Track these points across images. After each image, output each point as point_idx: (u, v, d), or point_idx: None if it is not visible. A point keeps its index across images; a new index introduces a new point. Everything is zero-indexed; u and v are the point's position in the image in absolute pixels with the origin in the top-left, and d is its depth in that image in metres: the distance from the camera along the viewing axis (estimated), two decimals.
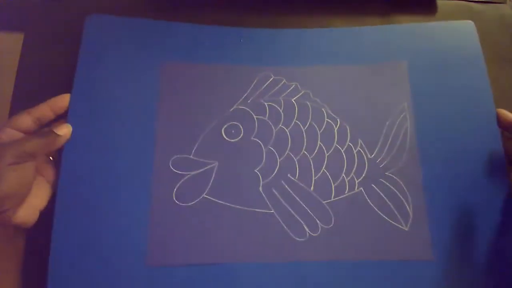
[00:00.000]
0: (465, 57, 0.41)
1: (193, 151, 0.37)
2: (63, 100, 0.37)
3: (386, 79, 0.40)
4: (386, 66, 0.41)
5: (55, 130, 0.34)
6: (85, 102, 0.38)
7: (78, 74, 0.38)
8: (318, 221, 0.36)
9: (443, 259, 0.35)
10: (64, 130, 0.35)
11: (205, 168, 0.37)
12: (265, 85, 0.40)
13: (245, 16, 0.44)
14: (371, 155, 0.38)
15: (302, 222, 0.36)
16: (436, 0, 0.45)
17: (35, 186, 0.33)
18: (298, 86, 0.40)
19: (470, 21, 0.42)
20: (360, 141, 0.38)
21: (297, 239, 0.35)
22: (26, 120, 0.34)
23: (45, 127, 0.35)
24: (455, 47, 0.41)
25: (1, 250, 0.31)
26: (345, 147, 0.38)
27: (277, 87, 0.40)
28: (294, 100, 0.40)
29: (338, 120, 0.39)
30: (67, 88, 0.40)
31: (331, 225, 0.36)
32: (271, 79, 0.40)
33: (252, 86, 0.40)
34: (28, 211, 0.33)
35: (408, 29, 0.42)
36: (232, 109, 0.39)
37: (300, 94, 0.40)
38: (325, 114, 0.39)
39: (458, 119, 0.39)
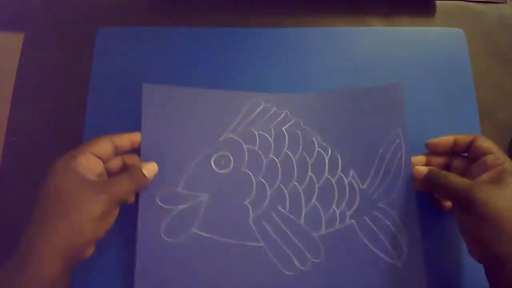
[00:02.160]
0: (454, 63, 0.42)
1: (181, 184, 0.37)
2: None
3: (380, 104, 0.39)
4: (379, 91, 0.39)
5: (143, 170, 0.33)
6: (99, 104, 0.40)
7: (92, 82, 0.41)
8: (307, 254, 0.35)
9: None
10: (151, 168, 0.34)
11: (195, 201, 0.36)
12: (255, 113, 0.39)
13: (246, 16, 0.44)
14: (363, 186, 0.37)
15: (291, 255, 0.35)
16: (435, 1, 0.45)
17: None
18: (289, 114, 0.39)
19: (459, 29, 0.43)
20: (352, 171, 0.37)
21: (286, 272, 0.35)
22: (108, 147, 0.32)
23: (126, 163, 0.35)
24: (445, 53, 0.42)
25: (63, 283, 0.30)
26: (336, 177, 0.37)
27: (267, 115, 0.39)
28: (284, 129, 0.39)
29: (329, 149, 0.38)
30: (67, 88, 0.41)
31: (321, 259, 0.35)
32: (261, 107, 0.39)
33: (242, 113, 0.39)
34: (93, 246, 0.32)
35: (403, 32, 0.43)
36: (221, 138, 0.38)
37: (291, 122, 0.39)
38: (316, 143, 0.38)
39: (446, 120, 0.39)
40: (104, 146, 0.32)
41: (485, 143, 0.32)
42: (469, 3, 0.45)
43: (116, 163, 0.34)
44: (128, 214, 0.35)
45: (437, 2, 0.45)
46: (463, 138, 0.34)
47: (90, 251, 0.32)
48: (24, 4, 0.45)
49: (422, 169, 0.34)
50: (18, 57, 0.42)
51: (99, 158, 0.32)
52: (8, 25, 0.48)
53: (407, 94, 0.38)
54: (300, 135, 0.38)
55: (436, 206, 0.36)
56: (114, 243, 0.36)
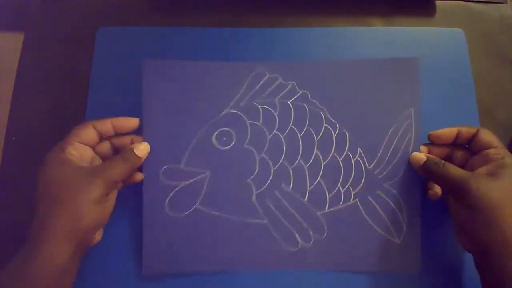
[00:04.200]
0: (454, 63, 0.42)
1: (184, 160, 0.36)
2: (128, 122, 0.34)
3: (394, 79, 0.36)
4: (395, 62, 0.36)
5: (135, 151, 0.33)
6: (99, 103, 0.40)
7: (92, 81, 0.41)
8: (311, 232, 0.36)
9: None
10: (142, 149, 0.33)
11: (197, 178, 0.36)
12: (259, 85, 0.37)
13: (246, 16, 0.43)
14: (370, 166, 0.36)
15: (294, 232, 0.35)
16: (435, 1, 0.44)
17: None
18: (296, 86, 0.37)
19: (459, 29, 0.43)
20: (359, 149, 0.36)
21: (289, 249, 0.36)
22: (91, 132, 0.33)
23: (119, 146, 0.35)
24: (445, 53, 0.42)
25: (73, 269, 0.31)
26: (343, 156, 0.36)
27: (272, 87, 0.37)
28: (290, 102, 0.36)
29: (337, 125, 0.36)
30: (67, 88, 0.41)
31: (324, 236, 0.36)
32: (265, 78, 0.36)
33: (245, 85, 0.36)
34: (100, 232, 0.33)
35: (403, 32, 0.43)
36: (223, 113, 0.36)
37: (298, 95, 0.37)
38: (324, 119, 0.36)
39: (447, 120, 0.37)
40: (88, 132, 0.33)
41: (488, 137, 0.33)
42: (469, 3, 0.45)
43: (105, 146, 0.35)
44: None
45: (437, 2, 0.45)
46: (467, 130, 0.34)
47: (97, 237, 0.33)
48: (24, 4, 0.45)
49: (421, 156, 0.34)
50: (18, 57, 0.42)
51: (86, 144, 0.33)
52: (8, 25, 0.47)
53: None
54: (307, 109, 0.36)
55: (424, 193, 0.36)
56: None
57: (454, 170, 0.31)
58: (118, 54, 0.42)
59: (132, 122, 0.35)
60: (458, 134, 0.34)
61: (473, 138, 0.33)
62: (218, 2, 0.44)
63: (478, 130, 0.33)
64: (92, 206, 0.30)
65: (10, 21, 0.46)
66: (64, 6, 0.44)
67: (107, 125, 0.33)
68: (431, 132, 0.35)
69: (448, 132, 0.34)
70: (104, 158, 0.34)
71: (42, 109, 0.41)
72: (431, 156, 0.34)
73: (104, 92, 0.40)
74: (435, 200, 0.35)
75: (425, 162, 0.33)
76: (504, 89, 0.42)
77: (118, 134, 0.35)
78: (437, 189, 0.35)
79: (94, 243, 0.32)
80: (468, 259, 0.35)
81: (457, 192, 0.31)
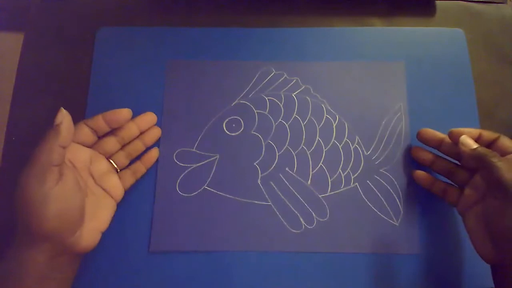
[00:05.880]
0: (454, 63, 0.42)
1: (196, 144, 0.39)
2: (118, 114, 0.35)
3: (384, 78, 0.41)
4: (384, 65, 0.41)
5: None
6: (99, 103, 0.40)
7: (92, 81, 0.41)
8: (314, 214, 0.37)
9: (429, 254, 0.36)
10: (59, 116, 0.29)
11: (207, 160, 0.38)
12: (266, 80, 0.41)
13: (246, 16, 0.44)
14: (367, 152, 0.39)
15: (298, 214, 0.37)
16: (435, 1, 0.45)
17: (97, 206, 0.32)
18: (299, 81, 0.41)
19: (459, 29, 0.43)
20: (357, 138, 0.39)
21: (293, 230, 0.37)
22: (87, 132, 0.33)
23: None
24: (445, 53, 0.42)
25: (62, 277, 0.30)
26: (343, 143, 0.39)
27: (278, 82, 0.41)
28: (294, 95, 0.40)
29: (337, 116, 0.40)
30: (67, 88, 0.41)
31: (326, 218, 0.37)
32: (272, 74, 0.41)
33: (253, 80, 0.41)
34: (91, 235, 0.31)
35: (403, 33, 0.43)
36: (233, 103, 0.40)
37: (301, 89, 0.41)
38: (325, 110, 0.40)
39: (446, 120, 0.40)
40: (83, 131, 0.33)
41: (509, 143, 0.32)
42: (469, 3, 0.45)
43: (121, 156, 0.36)
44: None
45: (437, 2, 0.45)
46: (488, 134, 0.34)
47: (86, 241, 0.31)
48: (24, 4, 0.44)
49: (471, 143, 0.33)
50: (18, 57, 0.42)
51: (83, 144, 0.33)
52: (8, 25, 0.46)
53: (407, 94, 0.41)
54: (309, 101, 0.40)
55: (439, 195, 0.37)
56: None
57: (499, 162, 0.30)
58: (118, 54, 0.42)
59: (123, 114, 0.35)
60: (479, 137, 0.34)
61: (493, 143, 0.33)
62: (218, 2, 0.44)
63: (499, 136, 0.33)
64: (40, 196, 0.27)
65: (10, 21, 0.45)
66: (64, 6, 0.44)
67: (99, 121, 0.34)
68: (453, 129, 0.35)
69: (470, 132, 0.34)
70: (121, 167, 0.36)
71: (42, 109, 0.40)
72: (482, 147, 0.33)
73: (104, 92, 0.41)
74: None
75: (481, 151, 0.32)
76: (504, 89, 0.42)
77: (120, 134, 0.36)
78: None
79: (83, 248, 0.30)
80: (467, 242, 0.36)
81: (499, 185, 0.30)
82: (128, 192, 0.37)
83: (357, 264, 0.36)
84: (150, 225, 0.37)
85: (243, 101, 0.40)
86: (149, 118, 0.38)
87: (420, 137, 0.37)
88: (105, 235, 0.36)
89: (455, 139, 0.34)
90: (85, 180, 0.33)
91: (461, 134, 0.34)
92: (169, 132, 0.39)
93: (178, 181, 0.38)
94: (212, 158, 0.38)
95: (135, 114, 0.37)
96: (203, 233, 0.37)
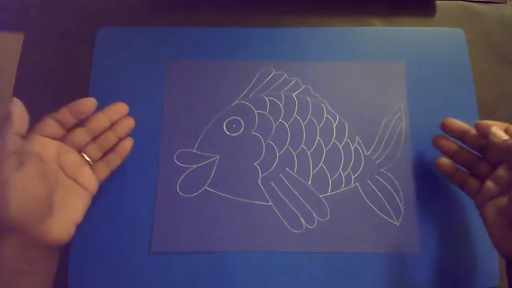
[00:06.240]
0: (454, 63, 0.42)
1: (196, 145, 0.39)
2: (82, 104, 0.34)
3: (384, 78, 0.41)
4: (384, 65, 0.41)
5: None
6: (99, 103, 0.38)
7: (92, 81, 0.41)
8: (314, 214, 0.37)
9: (430, 253, 0.36)
10: (15, 103, 0.29)
11: (207, 161, 0.38)
12: (266, 80, 0.41)
13: (246, 16, 0.44)
14: (367, 152, 0.39)
15: (298, 214, 0.37)
16: (435, 1, 0.45)
17: (68, 198, 0.32)
18: (299, 81, 0.41)
19: (459, 29, 0.43)
20: (357, 138, 0.39)
21: (294, 230, 0.37)
22: (53, 125, 0.32)
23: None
24: (445, 53, 0.42)
25: (36, 270, 0.29)
26: (343, 143, 0.39)
27: (278, 82, 0.41)
28: (294, 95, 0.40)
29: (337, 116, 0.40)
30: (66, 88, 0.41)
31: (327, 218, 0.37)
32: (272, 74, 0.41)
33: (253, 81, 0.41)
34: (62, 227, 0.31)
35: (403, 33, 0.43)
36: (233, 103, 0.40)
37: (301, 89, 0.41)
38: (325, 110, 0.40)
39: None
40: (48, 125, 0.32)
41: None
42: (469, 3, 0.45)
43: (93, 148, 0.35)
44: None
45: (437, 2, 0.45)
46: (500, 125, 0.33)
47: (56, 233, 0.30)
48: (24, 4, 0.44)
49: (503, 134, 0.32)
50: (18, 57, 0.42)
51: (49, 137, 0.33)
52: (8, 25, 0.46)
53: (407, 94, 0.41)
54: (309, 101, 0.40)
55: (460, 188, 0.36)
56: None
57: None
58: (118, 54, 0.42)
59: (88, 104, 0.34)
60: (506, 130, 0.33)
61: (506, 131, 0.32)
62: (218, 2, 0.44)
63: (508, 125, 0.32)
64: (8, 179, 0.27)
65: (10, 21, 0.45)
66: (64, 6, 0.44)
67: (64, 113, 0.33)
68: (480, 121, 0.34)
69: (498, 125, 0.33)
70: (94, 160, 0.35)
71: (42, 109, 0.39)
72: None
73: (104, 92, 0.41)
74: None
75: (509, 139, 0.31)
76: (504, 89, 0.42)
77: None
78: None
79: (55, 240, 0.30)
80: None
81: None
82: (129, 193, 0.37)
83: (357, 264, 0.36)
84: (151, 226, 0.37)
85: (243, 102, 0.40)
86: (119, 108, 0.36)
87: (444, 127, 0.36)
88: (106, 235, 0.36)
89: (482, 131, 0.33)
90: (54, 172, 0.32)
91: (489, 126, 0.33)
92: (169, 133, 0.39)
93: (179, 181, 0.38)
94: (213, 159, 0.38)
95: (135, 114, 0.37)
96: (204, 233, 0.37)
